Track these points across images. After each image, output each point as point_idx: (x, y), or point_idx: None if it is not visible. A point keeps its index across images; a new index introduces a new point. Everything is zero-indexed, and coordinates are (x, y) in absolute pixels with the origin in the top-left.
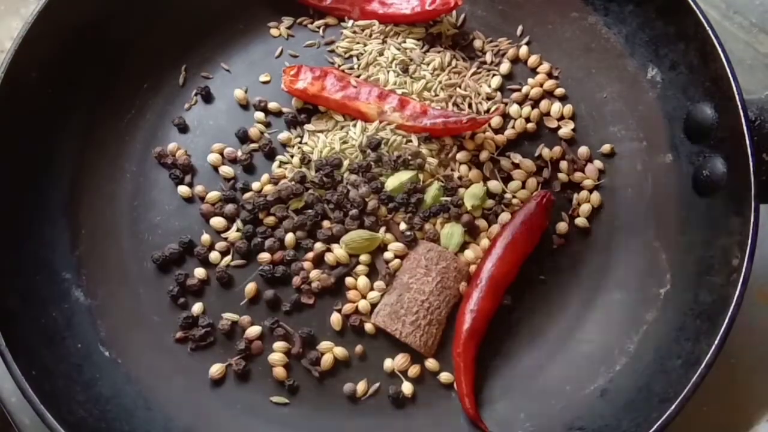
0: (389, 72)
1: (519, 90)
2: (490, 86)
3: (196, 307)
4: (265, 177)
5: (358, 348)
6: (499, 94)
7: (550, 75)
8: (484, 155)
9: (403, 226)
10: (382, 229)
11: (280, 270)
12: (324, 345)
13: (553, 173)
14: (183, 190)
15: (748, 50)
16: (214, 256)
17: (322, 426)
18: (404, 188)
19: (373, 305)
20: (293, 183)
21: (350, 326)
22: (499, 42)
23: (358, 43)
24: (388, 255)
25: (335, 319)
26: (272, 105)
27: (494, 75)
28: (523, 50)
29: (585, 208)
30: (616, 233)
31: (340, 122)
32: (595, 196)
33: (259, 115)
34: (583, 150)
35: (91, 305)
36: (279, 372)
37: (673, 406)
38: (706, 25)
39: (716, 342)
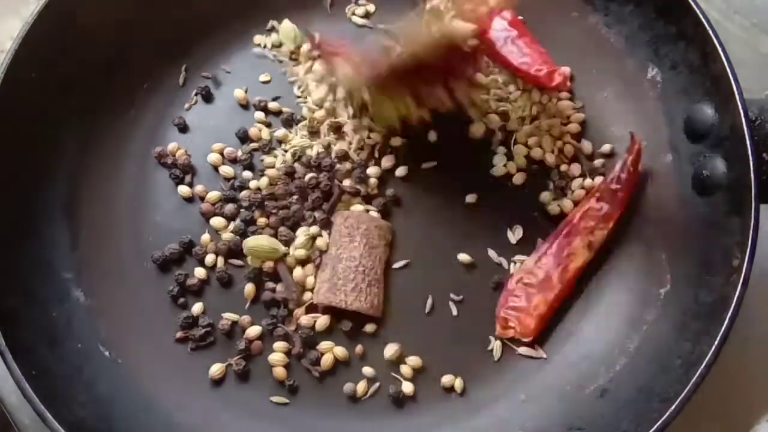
0: None
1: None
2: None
3: (196, 307)
4: (264, 179)
5: (358, 348)
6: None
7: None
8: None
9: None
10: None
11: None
12: (324, 345)
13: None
14: (183, 190)
15: (748, 50)
16: (209, 258)
17: (322, 426)
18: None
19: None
20: (282, 176)
21: (347, 329)
22: None
23: None
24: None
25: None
26: (272, 105)
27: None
28: None
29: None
30: (616, 233)
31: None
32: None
33: (259, 115)
34: (586, 144)
35: (91, 305)
36: (279, 372)
37: (673, 406)
38: (706, 25)
39: (716, 342)
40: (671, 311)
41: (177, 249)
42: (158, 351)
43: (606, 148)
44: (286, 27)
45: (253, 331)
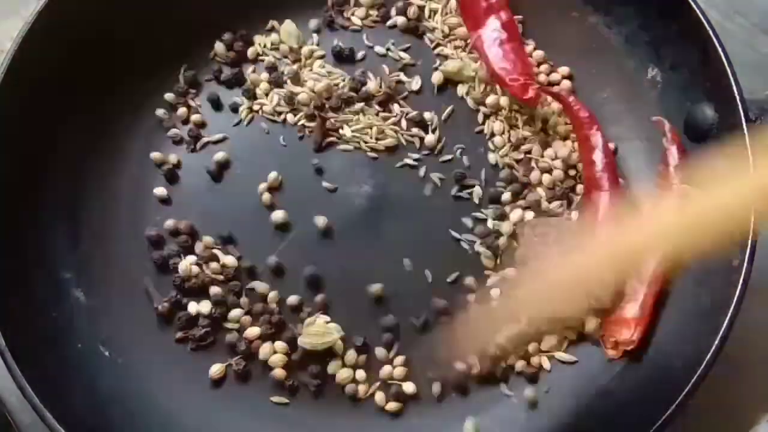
0: None
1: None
2: None
3: (196, 307)
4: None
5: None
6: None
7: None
8: None
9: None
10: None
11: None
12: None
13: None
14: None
15: (749, 50)
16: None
17: (322, 426)
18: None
19: None
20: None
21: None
22: None
23: None
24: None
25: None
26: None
27: None
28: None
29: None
30: None
31: None
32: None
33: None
34: None
35: (91, 305)
36: (279, 372)
37: (673, 406)
38: (706, 25)
39: (716, 342)
40: (671, 311)
41: (177, 249)
42: (158, 351)
43: None
44: (288, 27)
45: (253, 331)
